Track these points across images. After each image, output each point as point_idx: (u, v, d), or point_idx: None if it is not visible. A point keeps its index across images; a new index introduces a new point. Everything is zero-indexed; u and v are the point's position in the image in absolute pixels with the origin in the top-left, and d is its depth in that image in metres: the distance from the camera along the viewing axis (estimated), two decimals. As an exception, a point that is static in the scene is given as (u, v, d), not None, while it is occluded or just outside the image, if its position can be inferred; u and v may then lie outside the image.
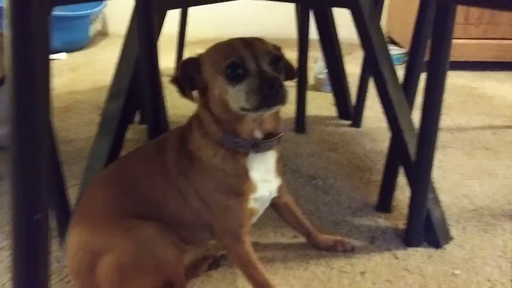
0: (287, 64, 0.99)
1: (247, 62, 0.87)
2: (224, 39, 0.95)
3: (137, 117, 2.01)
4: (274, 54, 0.91)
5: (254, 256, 1.02)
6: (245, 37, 0.93)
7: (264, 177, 1.00)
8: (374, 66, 1.31)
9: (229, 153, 0.96)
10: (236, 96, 0.88)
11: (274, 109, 0.90)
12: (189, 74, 0.94)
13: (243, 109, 0.88)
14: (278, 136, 0.99)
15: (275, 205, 1.18)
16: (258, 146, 0.96)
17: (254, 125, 0.95)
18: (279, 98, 0.86)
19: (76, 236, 1.01)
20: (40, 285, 0.53)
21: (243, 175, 0.97)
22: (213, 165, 0.97)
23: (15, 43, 0.51)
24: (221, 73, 0.88)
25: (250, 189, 0.98)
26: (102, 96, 1.34)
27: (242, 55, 0.88)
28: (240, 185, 0.97)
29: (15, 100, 0.46)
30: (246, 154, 0.97)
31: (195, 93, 0.97)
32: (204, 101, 0.96)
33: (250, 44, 0.90)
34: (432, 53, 1.10)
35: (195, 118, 1.01)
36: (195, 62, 0.95)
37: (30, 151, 0.48)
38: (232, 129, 0.94)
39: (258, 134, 0.96)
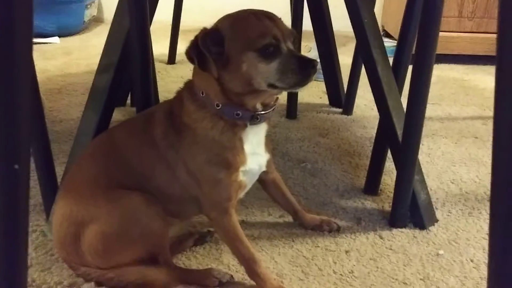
0: None
1: (281, 42, 0.90)
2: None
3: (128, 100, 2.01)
4: (294, 34, 0.95)
5: (240, 230, 1.03)
6: (263, 11, 0.94)
7: (255, 150, 1.02)
8: (364, 47, 1.31)
9: (227, 126, 0.97)
10: (267, 73, 0.90)
11: (304, 87, 0.94)
12: (207, 45, 0.91)
13: (271, 85, 0.91)
14: (274, 107, 1.00)
15: (263, 181, 1.19)
16: (256, 118, 0.97)
17: (261, 99, 0.96)
18: (312, 77, 0.91)
19: (61, 208, 1.02)
20: (19, 234, 0.53)
21: (238, 147, 0.98)
22: (210, 138, 0.97)
23: None
24: (255, 49, 0.89)
25: (241, 161, 0.99)
26: (95, 79, 1.35)
27: (276, 34, 0.90)
28: (233, 157, 0.98)
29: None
30: (244, 126, 0.97)
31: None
32: (217, 73, 0.92)
33: (277, 22, 0.93)
34: (420, 36, 1.11)
35: (186, 91, 1.01)
36: (214, 33, 0.92)
37: (9, 97, 0.48)
38: (239, 101, 0.95)
39: (259, 106, 0.97)
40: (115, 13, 1.32)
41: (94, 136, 1.20)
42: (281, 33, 0.91)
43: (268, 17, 0.93)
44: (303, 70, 0.90)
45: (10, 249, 0.54)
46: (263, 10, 0.94)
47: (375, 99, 1.33)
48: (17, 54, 0.46)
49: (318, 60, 2.24)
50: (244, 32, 0.91)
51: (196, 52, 0.91)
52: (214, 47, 0.91)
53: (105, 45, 1.31)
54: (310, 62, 0.90)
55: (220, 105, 0.95)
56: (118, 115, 1.80)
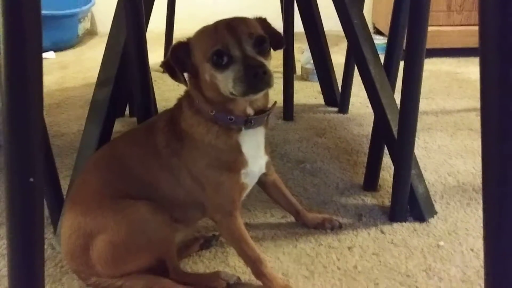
0: (275, 33, 1.01)
1: (231, 49, 0.90)
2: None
3: (127, 110, 2.04)
4: (257, 36, 0.93)
5: (245, 231, 1.06)
6: (230, 20, 0.95)
7: (255, 152, 1.04)
8: (356, 48, 1.34)
9: (222, 130, 0.99)
10: (224, 82, 0.91)
11: (260, 94, 0.94)
12: (179, 58, 0.96)
13: (231, 94, 0.92)
14: (268, 111, 1.02)
15: (263, 184, 1.21)
16: (250, 122, 0.99)
17: (246, 104, 0.98)
18: (264, 83, 0.89)
19: (69, 220, 1.04)
20: (36, 246, 0.56)
21: (236, 151, 1.01)
22: (206, 142, 1.00)
23: (8, 39, 0.53)
24: (208, 60, 0.91)
25: (242, 164, 1.02)
26: (92, 92, 1.37)
27: (226, 42, 0.90)
28: (233, 160, 1.01)
29: (7, 63, 0.48)
30: (239, 130, 1.00)
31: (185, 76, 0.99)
32: (195, 83, 0.98)
33: (233, 29, 0.92)
34: (409, 32, 1.14)
35: (185, 99, 1.04)
36: (185, 46, 0.97)
37: (23, 114, 0.51)
38: (224, 108, 0.97)
39: (250, 111, 0.99)
40: (111, 27, 1.35)
41: (97, 149, 1.22)
42: (235, 39, 0.90)
43: (228, 25, 0.92)
44: (249, 78, 0.87)
45: (28, 255, 0.56)
46: (230, 19, 0.95)
47: (369, 98, 1.36)
48: (29, 77, 0.49)
49: (312, 61, 2.29)
50: (202, 44, 0.94)
51: (166, 63, 0.95)
52: (187, 59, 0.96)
53: (102, 59, 1.34)
54: (253, 68, 0.87)
55: (214, 111, 0.98)
56: (117, 125, 1.82)
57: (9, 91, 0.49)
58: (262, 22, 1.00)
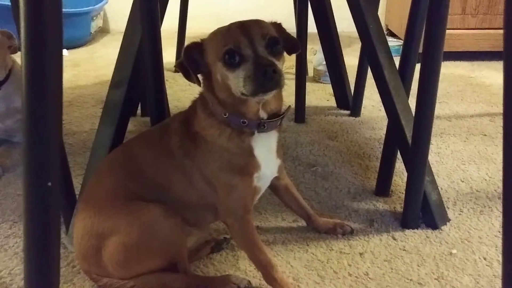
0: (289, 38, 1.01)
1: (243, 49, 0.90)
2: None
3: (139, 110, 2.04)
4: (270, 37, 0.92)
5: (257, 235, 1.05)
6: (244, 21, 0.95)
7: (267, 156, 1.03)
8: (370, 52, 1.33)
9: (235, 133, 0.99)
10: (235, 82, 0.91)
11: (270, 94, 0.92)
12: (193, 59, 0.97)
13: (242, 94, 0.91)
14: (282, 115, 1.01)
15: (275, 188, 1.21)
16: (263, 126, 0.98)
17: (258, 106, 0.97)
18: (274, 83, 0.88)
19: (82, 221, 1.04)
20: (52, 248, 0.56)
21: (248, 154, 1.00)
22: (219, 145, 1.00)
23: (29, 38, 0.53)
24: (220, 59, 0.91)
25: (254, 168, 1.01)
26: (105, 90, 1.38)
27: (238, 42, 0.90)
28: (246, 164, 1.00)
29: (28, 69, 0.48)
30: (252, 134, 0.99)
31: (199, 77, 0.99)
32: (209, 85, 0.98)
33: (246, 29, 0.92)
34: (427, 35, 1.12)
35: (199, 100, 1.04)
36: (198, 47, 0.97)
37: (41, 121, 0.51)
38: (237, 110, 0.97)
39: (263, 114, 0.99)
40: (126, 27, 1.35)
41: (110, 149, 1.22)
42: (248, 39, 0.90)
43: (241, 26, 0.93)
44: (259, 77, 0.87)
45: (44, 257, 0.57)
46: (244, 20, 0.95)
47: (383, 103, 1.35)
48: (49, 81, 0.49)
49: (324, 63, 2.28)
50: (215, 44, 0.94)
51: (180, 64, 0.96)
52: (201, 59, 0.96)
53: (117, 60, 1.34)
54: (263, 67, 0.86)
55: (228, 114, 0.98)
56: (129, 125, 1.81)
57: (28, 95, 0.49)
58: (277, 26, 1.00)
